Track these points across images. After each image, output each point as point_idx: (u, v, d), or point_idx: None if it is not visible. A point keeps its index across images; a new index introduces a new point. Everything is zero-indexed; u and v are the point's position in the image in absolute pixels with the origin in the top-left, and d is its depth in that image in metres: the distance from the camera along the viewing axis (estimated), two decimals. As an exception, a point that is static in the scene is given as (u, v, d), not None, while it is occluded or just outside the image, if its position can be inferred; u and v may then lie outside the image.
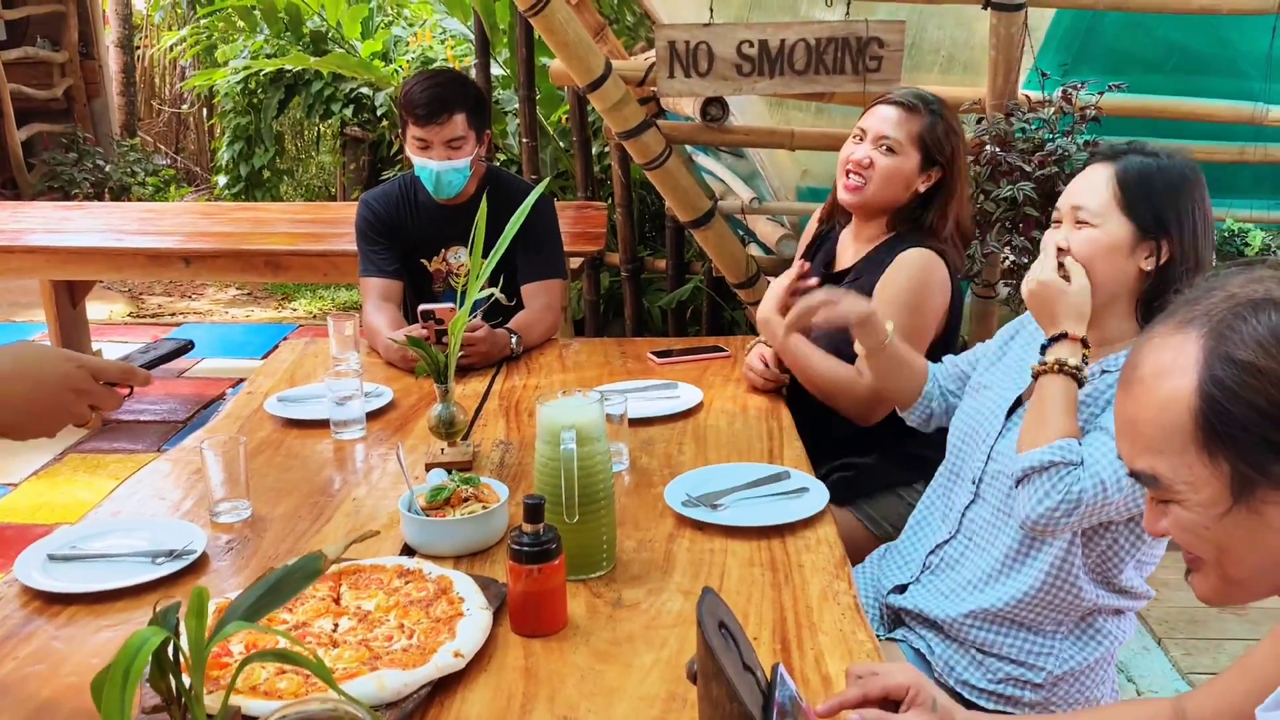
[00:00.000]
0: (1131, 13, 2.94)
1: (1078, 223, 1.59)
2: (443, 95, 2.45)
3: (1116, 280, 1.56)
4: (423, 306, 2.22)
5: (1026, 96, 2.95)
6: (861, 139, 2.18)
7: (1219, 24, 2.99)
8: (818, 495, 1.68)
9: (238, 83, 6.56)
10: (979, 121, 2.94)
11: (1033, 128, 2.86)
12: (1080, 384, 1.54)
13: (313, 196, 8.03)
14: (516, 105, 4.65)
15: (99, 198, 7.49)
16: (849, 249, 2.30)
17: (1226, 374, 0.86)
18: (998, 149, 2.82)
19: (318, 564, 0.92)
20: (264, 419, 2.13)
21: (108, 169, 7.67)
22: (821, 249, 2.38)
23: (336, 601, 1.37)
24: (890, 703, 1.14)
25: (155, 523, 1.68)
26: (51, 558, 1.54)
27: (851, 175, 2.16)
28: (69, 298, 4.63)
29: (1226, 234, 3.14)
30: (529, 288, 2.60)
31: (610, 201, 4.39)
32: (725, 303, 4.35)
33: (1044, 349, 1.57)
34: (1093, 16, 2.99)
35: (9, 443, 4.04)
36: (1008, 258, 2.82)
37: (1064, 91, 2.85)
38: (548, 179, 2.10)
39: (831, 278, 2.24)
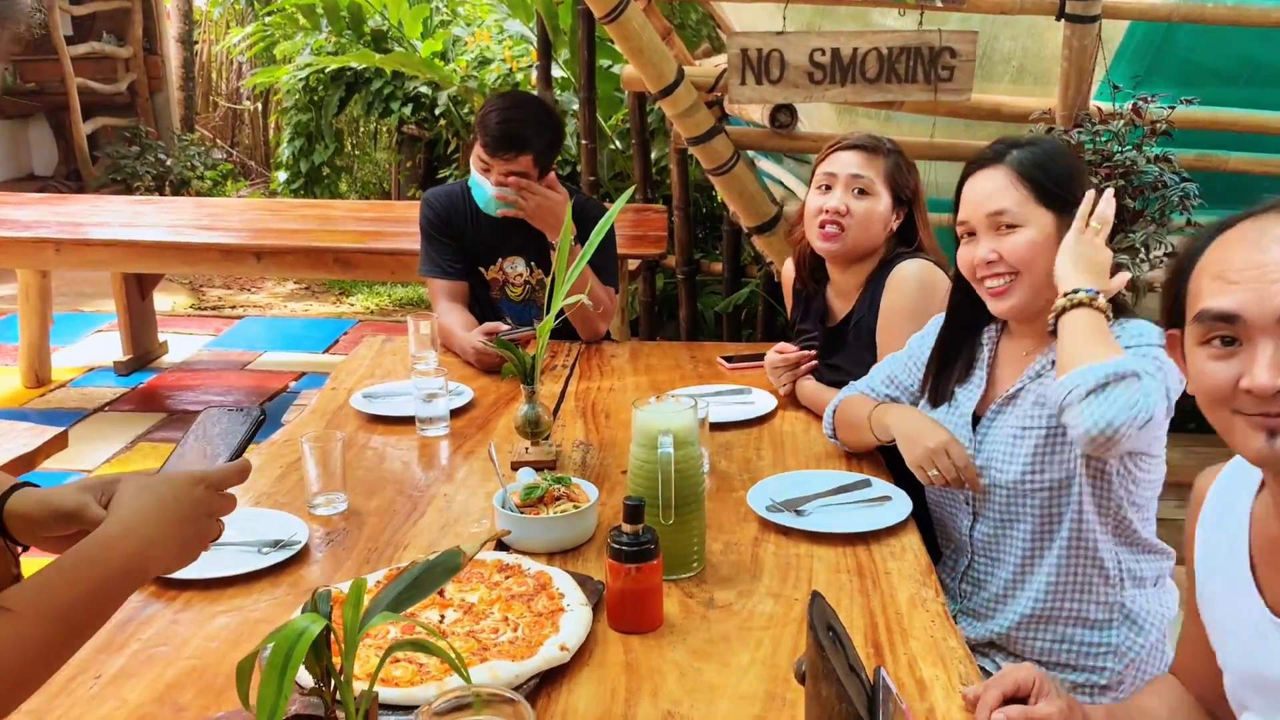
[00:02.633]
0: (1206, 25, 2.93)
1: (1002, 228, 1.62)
2: (518, 133, 2.41)
3: (1052, 272, 1.59)
4: (501, 335, 2.27)
5: (1098, 108, 2.94)
6: (829, 187, 2.11)
7: (1295, 37, 2.97)
8: (901, 503, 1.70)
9: (300, 80, 6.66)
10: (1048, 131, 2.94)
11: (1102, 139, 2.87)
12: (1109, 319, 1.53)
13: (368, 193, 8.14)
14: (575, 107, 4.69)
15: (160, 190, 7.65)
16: (839, 299, 2.23)
17: None
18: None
19: (457, 560, 0.97)
20: (349, 414, 2.19)
21: (169, 162, 7.83)
22: (811, 309, 2.30)
23: (441, 594, 1.42)
24: (1019, 699, 1.18)
25: (256, 513, 1.74)
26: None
27: (827, 225, 2.09)
28: (138, 290, 4.76)
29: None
30: None
31: (667, 204, 4.42)
32: (780, 307, 4.37)
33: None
34: (1167, 29, 2.98)
35: (82, 429, 4.11)
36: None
37: (1134, 104, 2.85)
38: (631, 188, 2.12)
39: (831, 332, 2.21)
